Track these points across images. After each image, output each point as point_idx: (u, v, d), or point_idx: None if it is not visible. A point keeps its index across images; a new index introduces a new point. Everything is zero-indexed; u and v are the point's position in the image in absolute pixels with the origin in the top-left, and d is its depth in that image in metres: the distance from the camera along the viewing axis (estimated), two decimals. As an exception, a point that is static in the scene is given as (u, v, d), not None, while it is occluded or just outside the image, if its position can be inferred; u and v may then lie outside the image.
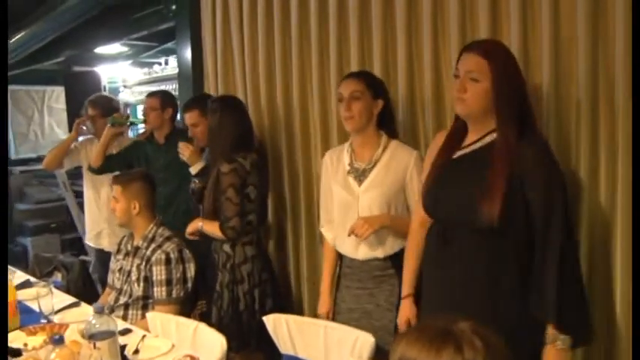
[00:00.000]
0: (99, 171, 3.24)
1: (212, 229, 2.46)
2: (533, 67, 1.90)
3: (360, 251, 2.10)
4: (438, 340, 0.91)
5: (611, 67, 1.73)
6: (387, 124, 2.14)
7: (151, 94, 3.29)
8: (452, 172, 1.71)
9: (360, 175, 2.10)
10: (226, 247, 2.48)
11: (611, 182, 1.76)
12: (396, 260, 2.07)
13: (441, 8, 2.16)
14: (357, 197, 2.09)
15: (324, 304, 2.26)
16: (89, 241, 3.60)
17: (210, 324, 2.07)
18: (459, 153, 1.72)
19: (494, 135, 1.63)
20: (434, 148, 1.83)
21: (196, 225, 2.51)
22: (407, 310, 1.94)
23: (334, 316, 2.23)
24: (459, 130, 1.74)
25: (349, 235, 2.02)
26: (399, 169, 2.06)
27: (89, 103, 3.51)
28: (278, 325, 2.02)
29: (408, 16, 2.24)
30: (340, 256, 2.23)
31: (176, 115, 3.25)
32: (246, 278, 2.47)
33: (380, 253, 2.08)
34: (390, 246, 2.08)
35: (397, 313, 2.01)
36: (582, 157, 1.81)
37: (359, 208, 2.07)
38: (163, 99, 3.19)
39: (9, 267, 2.75)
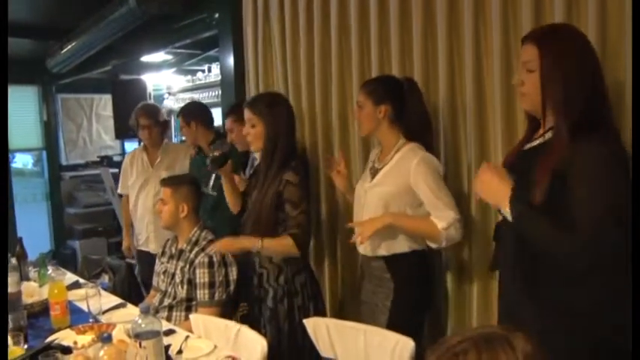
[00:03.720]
0: None
1: (277, 246, 2.27)
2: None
3: (361, 246, 2.21)
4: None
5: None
6: (404, 125, 2.19)
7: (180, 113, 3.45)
8: (513, 166, 1.64)
9: (374, 173, 2.23)
10: (276, 259, 2.35)
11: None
12: (393, 265, 2.16)
13: (483, 8, 2.14)
14: (365, 192, 2.22)
15: None
16: (141, 247, 3.63)
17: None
18: (527, 146, 1.65)
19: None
20: None
21: (255, 244, 2.26)
22: None
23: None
24: (532, 126, 1.66)
25: (351, 241, 2.18)
26: (402, 173, 2.13)
27: (141, 112, 3.54)
28: (318, 328, 2.04)
29: (449, 16, 2.24)
30: None
31: (205, 124, 3.36)
32: (299, 290, 2.35)
33: (369, 251, 2.20)
34: (380, 247, 2.17)
35: (388, 317, 2.12)
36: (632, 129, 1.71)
37: (365, 203, 2.21)
38: (184, 115, 3.36)
39: (61, 269, 2.86)
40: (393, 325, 2.03)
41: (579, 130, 1.44)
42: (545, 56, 1.49)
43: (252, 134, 2.35)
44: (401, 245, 2.15)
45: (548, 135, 1.57)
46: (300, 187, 2.28)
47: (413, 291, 2.18)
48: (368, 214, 2.17)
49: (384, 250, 2.17)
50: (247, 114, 2.37)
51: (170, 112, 6.81)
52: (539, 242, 1.47)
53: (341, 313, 2.79)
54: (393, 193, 2.13)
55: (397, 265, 2.16)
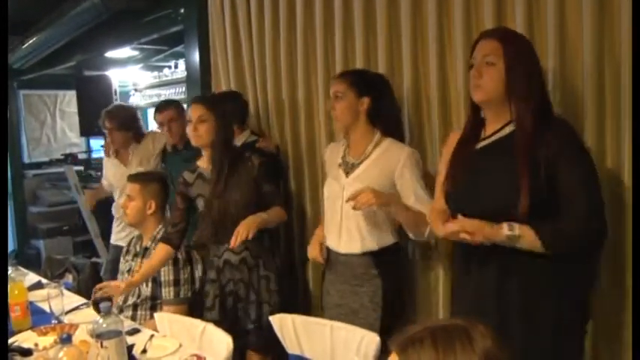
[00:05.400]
0: None
1: (275, 217, 2.34)
2: (540, 52, 1.84)
3: (342, 243, 2.14)
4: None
5: (617, 47, 1.72)
6: (381, 121, 2.15)
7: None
8: (479, 165, 1.65)
9: (349, 169, 2.15)
10: (267, 243, 2.43)
11: (617, 147, 1.75)
12: (379, 260, 2.10)
13: (446, 2, 2.16)
14: (342, 188, 2.13)
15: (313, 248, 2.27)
16: (117, 241, 3.43)
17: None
18: (481, 144, 1.68)
19: (513, 125, 1.60)
20: (450, 146, 1.79)
21: (258, 221, 2.22)
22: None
23: (323, 310, 2.27)
24: (476, 124, 1.71)
25: (347, 201, 1.98)
26: (388, 166, 2.09)
27: (106, 115, 3.38)
28: (284, 324, 2.03)
29: (413, 10, 2.25)
30: (328, 250, 2.24)
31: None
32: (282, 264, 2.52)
33: (358, 248, 2.11)
34: (370, 242, 2.09)
35: (382, 313, 2.07)
36: (590, 127, 1.80)
37: (343, 199, 2.09)
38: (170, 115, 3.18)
39: (21, 269, 2.79)
40: (388, 320, 2.05)
41: (541, 121, 1.55)
42: (508, 51, 1.58)
43: (204, 129, 2.29)
44: (388, 238, 2.12)
45: (508, 129, 1.62)
46: (269, 164, 2.40)
47: (399, 282, 2.17)
48: (352, 211, 2.03)
49: (374, 245, 2.10)
50: (199, 110, 2.30)
51: (136, 108, 6.71)
52: (573, 248, 1.55)
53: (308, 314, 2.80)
54: (378, 188, 2.01)
55: (384, 258, 2.11)
